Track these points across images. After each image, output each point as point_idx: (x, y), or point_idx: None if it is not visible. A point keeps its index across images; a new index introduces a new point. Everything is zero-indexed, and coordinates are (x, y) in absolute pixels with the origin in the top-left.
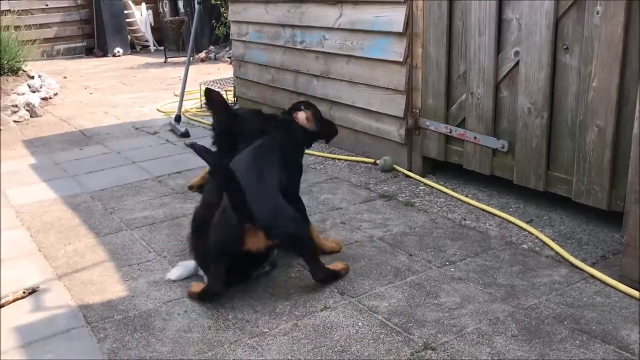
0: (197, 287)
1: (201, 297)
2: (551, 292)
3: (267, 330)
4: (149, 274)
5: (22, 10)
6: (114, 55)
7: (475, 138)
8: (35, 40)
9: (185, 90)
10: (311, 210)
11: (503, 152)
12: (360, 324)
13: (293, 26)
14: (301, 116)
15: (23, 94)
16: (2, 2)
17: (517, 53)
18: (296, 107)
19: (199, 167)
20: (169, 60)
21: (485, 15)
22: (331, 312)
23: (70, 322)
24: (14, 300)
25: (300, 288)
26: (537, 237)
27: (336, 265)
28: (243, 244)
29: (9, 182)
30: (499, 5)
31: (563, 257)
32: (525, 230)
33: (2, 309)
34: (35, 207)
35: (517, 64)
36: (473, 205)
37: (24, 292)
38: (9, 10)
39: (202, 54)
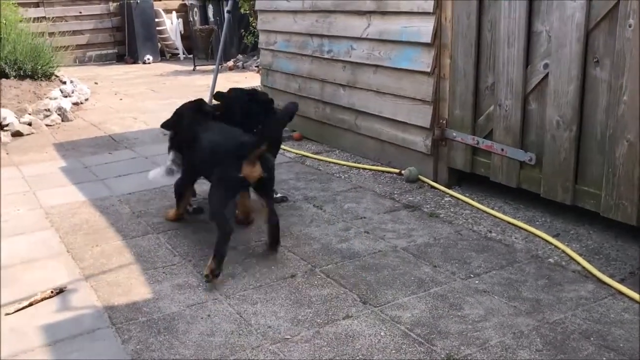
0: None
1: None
2: (577, 308)
3: (289, 337)
4: (174, 278)
5: (56, 17)
6: (144, 63)
7: (502, 150)
8: (68, 46)
9: None
10: (335, 218)
11: (530, 164)
12: (382, 333)
13: (321, 36)
14: None
15: (55, 98)
16: (38, 8)
17: (546, 65)
18: None
19: None
20: (197, 68)
21: (514, 27)
22: (353, 320)
23: (96, 323)
24: (42, 299)
25: (322, 296)
26: (563, 252)
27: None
28: (240, 171)
29: (39, 184)
30: (529, 18)
31: (590, 273)
32: (551, 244)
33: (31, 307)
34: (64, 209)
35: (546, 76)
36: (499, 218)
37: (52, 292)
38: (45, 17)
39: (230, 63)
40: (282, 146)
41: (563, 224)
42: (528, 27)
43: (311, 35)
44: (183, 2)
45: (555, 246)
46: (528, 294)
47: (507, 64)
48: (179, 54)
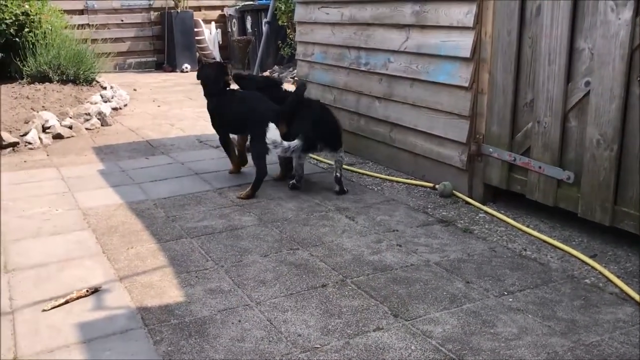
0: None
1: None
2: (615, 330)
3: (319, 346)
4: (206, 282)
5: (99, 24)
6: (182, 71)
7: (539, 168)
8: (109, 53)
9: None
10: (367, 230)
11: (568, 183)
12: (413, 347)
13: (358, 48)
14: None
15: (96, 103)
16: (82, 16)
17: (587, 83)
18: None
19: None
20: None
21: (556, 44)
22: (384, 333)
23: (129, 323)
24: (78, 298)
25: (353, 307)
26: (600, 273)
27: None
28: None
29: (78, 186)
30: (571, 35)
31: (628, 295)
32: (588, 264)
33: (67, 304)
34: (101, 210)
35: (587, 94)
36: (534, 236)
37: (87, 291)
38: (88, 24)
39: (267, 73)
40: (315, 156)
41: (601, 244)
42: (570, 44)
43: (348, 47)
44: (222, 13)
45: (592, 267)
46: (563, 314)
47: (547, 80)
48: None
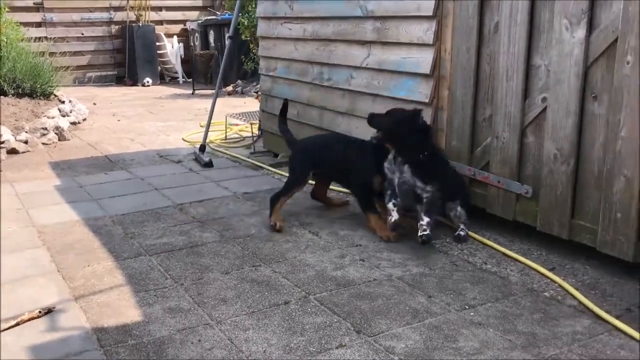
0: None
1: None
2: (573, 343)
3: None
4: (165, 301)
5: (58, 37)
6: (144, 85)
7: (499, 182)
8: (68, 67)
9: (212, 121)
10: (330, 245)
11: (527, 197)
12: None
13: (321, 64)
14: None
15: (53, 117)
16: (40, 28)
17: (544, 99)
18: None
19: (220, 197)
20: (196, 92)
21: (513, 60)
22: (347, 350)
23: (84, 345)
24: (30, 319)
25: (316, 324)
26: (559, 286)
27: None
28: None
29: (32, 202)
30: (528, 52)
31: (587, 307)
32: (547, 277)
33: (17, 327)
34: (57, 227)
35: (544, 110)
36: (494, 250)
37: (39, 312)
38: (46, 37)
39: (230, 88)
40: (276, 170)
41: (559, 258)
42: (527, 61)
43: (311, 62)
44: (184, 27)
45: (551, 280)
46: (523, 327)
47: (505, 96)
48: (178, 77)
